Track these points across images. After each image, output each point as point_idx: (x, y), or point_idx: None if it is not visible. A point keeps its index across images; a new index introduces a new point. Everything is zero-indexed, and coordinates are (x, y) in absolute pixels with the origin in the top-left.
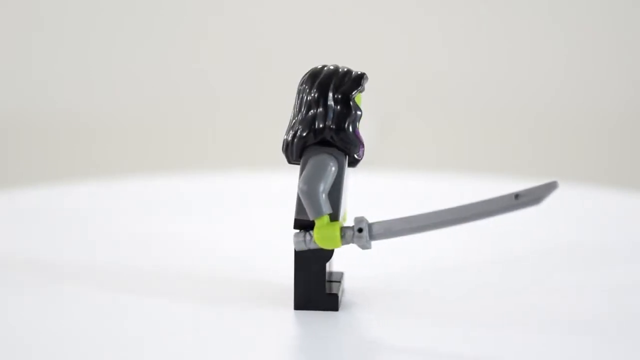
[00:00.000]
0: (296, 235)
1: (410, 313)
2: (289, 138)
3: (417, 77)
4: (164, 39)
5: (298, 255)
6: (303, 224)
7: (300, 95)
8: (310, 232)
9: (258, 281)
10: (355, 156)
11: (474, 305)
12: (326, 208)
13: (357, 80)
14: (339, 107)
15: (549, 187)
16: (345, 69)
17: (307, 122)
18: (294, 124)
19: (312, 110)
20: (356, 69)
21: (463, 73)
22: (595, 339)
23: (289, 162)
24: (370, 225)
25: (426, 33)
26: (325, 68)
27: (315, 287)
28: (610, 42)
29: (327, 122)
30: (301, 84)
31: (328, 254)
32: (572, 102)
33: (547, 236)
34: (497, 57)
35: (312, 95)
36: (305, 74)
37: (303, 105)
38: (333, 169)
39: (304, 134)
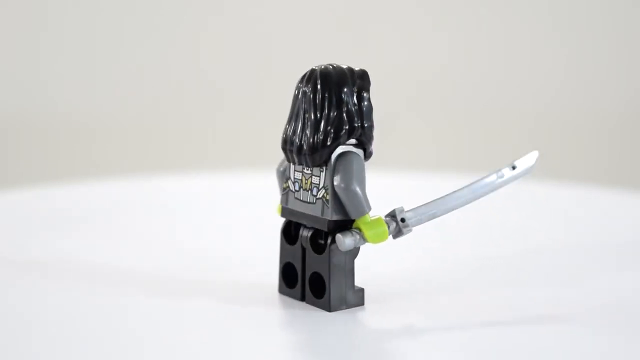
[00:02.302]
0: (344, 235)
1: (425, 310)
2: (316, 140)
3: (417, 77)
4: (164, 39)
5: (334, 257)
6: (335, 226)
7: (314, 96)
8: (355, 230)
9: (260, 282)
10: (370, 151)
11: (488, 302)
12: (369, 205)
13: (365, 76)
14: (360, 104)
15: (533, 157)
16: (348, 67)
17: (338, 123)
18: (310, 126)
19: (337, 111)
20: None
21: (463, 73)
22: (601, 335)
23: (313, 165)
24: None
25: (426, 33)
26: (331, 67)
27: (347, 286)
28: (610, 42)
29: (357, 120)
30: (311, 85)
31: (357, 251)
32: (572, 102)
33: (548, 236)
34: (497, 57)
35: (335, 95)
36: (312, 75)
37: (325, 107)
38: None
39: (338, 135)
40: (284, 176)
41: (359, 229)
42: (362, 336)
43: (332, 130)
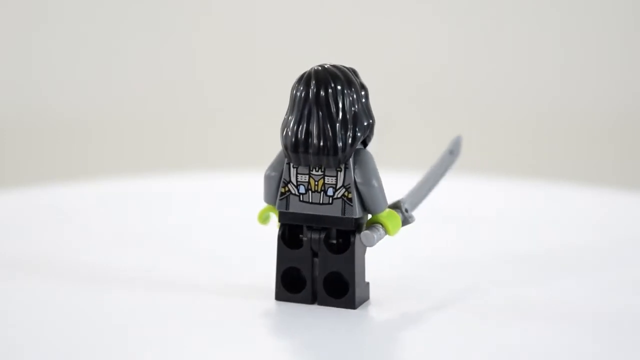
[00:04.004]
0: (372, 231)
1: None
2: (341, 140)
3: (418, 77)
4: (160, 39)
5: (359, 253)
6: (356, 223)
7: (326, 96)
8: (378, 225)
9: (259, 283)
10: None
11: (489, 302)
12: (386, 200)
13: (358, 74)
14: (364, 101)
15: (459, 141)
16: (343, 66)
17: (357, 122)
18: (330, 127)
19: (353, 110)
20: (356, 68)
21: (464, 73)
22: (602, 335)
23: (334, 165)
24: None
25: (427, 33)
26: (333, 67)
27: (363, 279)
28: (611, 43)
29: (367, 118)
30: (322, 86)
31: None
32: (573, 103)
33: (547, 236)
34: (499, 58)
35: (348, 94)
36: (318, 76)
37: (341, 107)
38: None
39: (359, 134)
40: (279, 181)
41: (381, 223)
42: (371, 332)
43: (354, 130)
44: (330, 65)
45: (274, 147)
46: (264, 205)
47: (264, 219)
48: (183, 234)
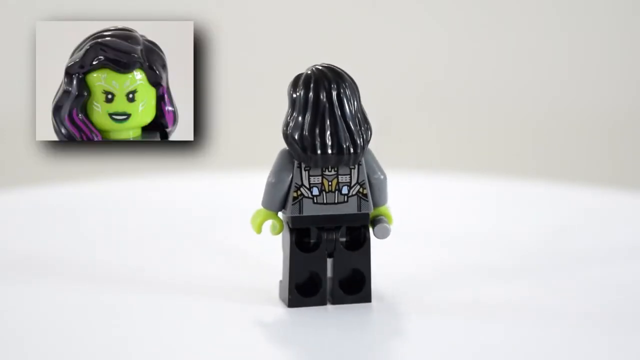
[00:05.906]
0: (384, 223)
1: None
2: (362, 138)
3: (418, 77)
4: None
5: (370, 247)
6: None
7: (339, 95)
8: (383, 217)
9: (262, 283)
10: None
11: (489, 302)
12: None
13: None
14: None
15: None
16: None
17: (367, 119)
18: (349, 125)
19: (361, 107)
20: (356, 68)
21: (466, 74)
22: (602, 335)
23: (354, 164)
24: None
25: (427, 33)
26: (333, 67)
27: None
28: (611, 42)
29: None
30: (334, 85)
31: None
32: (573, 103)
33: (548, 236)
34: (500, 58)
35: (357, 92)
36: (327, 76)
37: (354, 105)
38: None
39: (371, 131)
40: (289, 187)
41: (384, 215)
42: (370, 330)
43: (366, 126)
44: (329, 65)
45: (274, 147)
46: (259, 214)
47: (261, 229)
48: (183, 234)
